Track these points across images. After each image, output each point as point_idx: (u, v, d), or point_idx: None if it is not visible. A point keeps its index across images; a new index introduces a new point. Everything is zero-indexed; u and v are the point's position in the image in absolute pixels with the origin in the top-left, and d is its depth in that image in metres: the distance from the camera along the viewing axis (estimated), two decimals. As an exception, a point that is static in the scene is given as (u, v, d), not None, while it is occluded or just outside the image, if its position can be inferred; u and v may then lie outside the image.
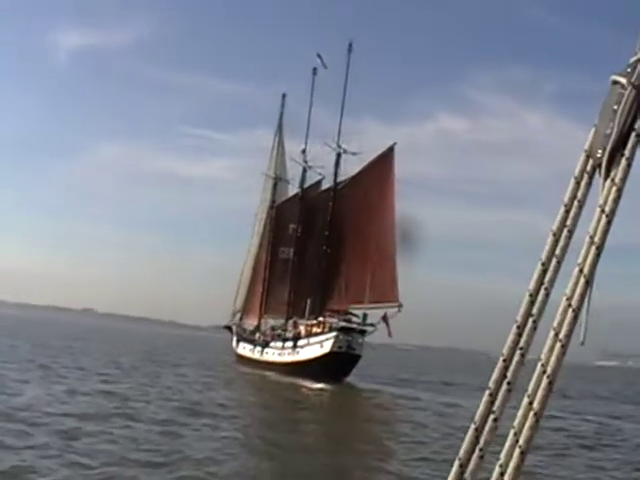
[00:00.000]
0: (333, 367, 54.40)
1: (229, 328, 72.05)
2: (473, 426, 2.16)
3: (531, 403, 2.13)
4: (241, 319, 71.08)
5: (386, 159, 59.84)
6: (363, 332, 56.57)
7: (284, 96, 71.02)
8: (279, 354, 60.83)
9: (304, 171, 65.72)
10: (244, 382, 51.96)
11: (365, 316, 57.16)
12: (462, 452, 2.14)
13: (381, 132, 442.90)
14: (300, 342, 58.66)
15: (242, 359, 66.70)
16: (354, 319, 57.40)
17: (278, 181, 69.82)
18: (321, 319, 58.41)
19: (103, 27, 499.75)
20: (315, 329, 58.27)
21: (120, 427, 22.75)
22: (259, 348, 64.21)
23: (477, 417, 2.16)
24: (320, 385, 50.39)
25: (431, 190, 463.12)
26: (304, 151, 65.59)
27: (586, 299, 2.16)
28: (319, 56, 64.79)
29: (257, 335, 66.27)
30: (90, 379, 38.68)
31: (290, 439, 25.14)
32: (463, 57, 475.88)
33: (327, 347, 55.68)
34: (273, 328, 65.45)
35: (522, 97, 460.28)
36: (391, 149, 60.08)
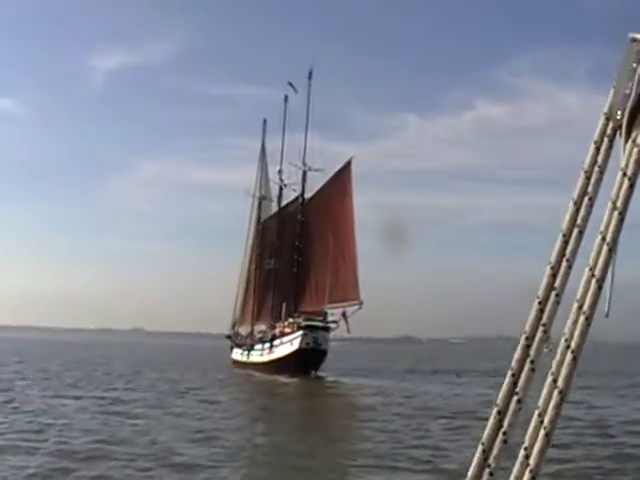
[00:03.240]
0: (302, 362, 63.17)
1: (229, 337, 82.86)
2: (495, 409, 2.12)
3: (555, 381, 2.09)
4: (234, 327, 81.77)
5: (344, 172, 69.37)
6: (327, 329, 65.99)
7: (265, 122, 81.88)
8: (260, 355, 70.66)
9: (280, 190, 76.13)
10: (231, 381, 61.79)
11: (325, 314, 66.39)
12: (485, 437, 2.11)
13: (419, 125, 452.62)
14: (275, 342, 68.47)
15: (236, 363, 76.65)
16: (317, 318, 66.83)
17: (263, 200, 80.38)
18: (291, 320, 67.97)
19: (137, 46, 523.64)
20: (287, 329, 67.75)
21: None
22: (246, 351, 74.47)
23: (499, 399, 2.12)
24: (292, 379, 60.15)
25: (473, 178, 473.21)
26: (280, 171, 75.93)
27: (610, 268, 2.13)
28: (290, 84, 75.00)
29: (248, 340, 76.75)
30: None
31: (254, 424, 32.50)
32: (497, 43, 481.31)
33: (296, 344, 64.80)
34: (260, 332, 75.71)
35: (559, 77, 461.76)
36: (349, 163, 69.70)
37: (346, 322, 65.23)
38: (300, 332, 65.20)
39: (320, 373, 65.24)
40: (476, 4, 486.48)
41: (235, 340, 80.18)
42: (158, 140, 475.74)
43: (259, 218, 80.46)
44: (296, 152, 72.02)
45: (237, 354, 77.82)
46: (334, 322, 66.13)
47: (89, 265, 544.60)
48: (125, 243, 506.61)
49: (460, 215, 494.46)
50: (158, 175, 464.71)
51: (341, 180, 69.33)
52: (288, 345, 66.29)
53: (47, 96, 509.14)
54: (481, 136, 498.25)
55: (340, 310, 66.14)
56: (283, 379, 60.11)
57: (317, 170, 70.87)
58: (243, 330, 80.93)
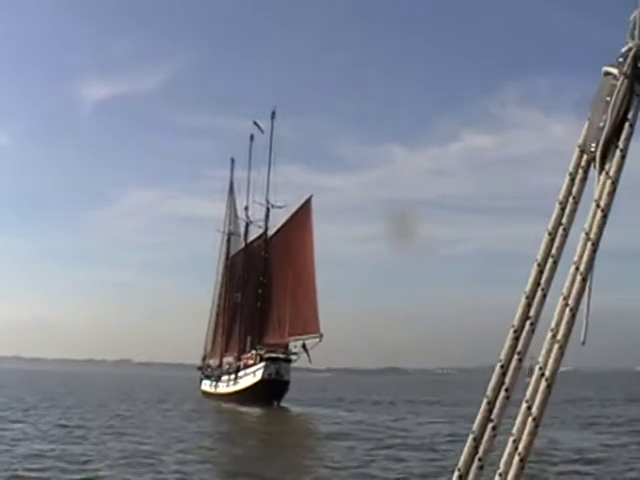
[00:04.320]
0: (265, 392, 67.00)
1: (200, 368, 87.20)
2: (472, 436, 2.21)
3: (529, 408, 2.17)
4: (205, 359, 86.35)
5: (304, 209, 73.79)
6: (289, 360, 70.04)
7: (233, 161, 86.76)
8: (226, 385, 74.83)
9: (247, 226, 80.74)
10: (200, 411, 65.76)
11: (287, 346, 70.66)
12: (461, 462, 2.20)
13: (406, 156, 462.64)
14: (240, 373, 72.53)
15: (205, 393, 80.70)
16: (279, 350, 71.11)
17: (231, 235, 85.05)
18: (253, 352, 72.07)
19: (125, 77, 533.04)
20: (250, 361, 71.82)
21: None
22: (214, 383, 78.71)
23: (475, 426, 2.20)
24: (254, 409, 64.19)
25: (459, 209, 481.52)
26: (246, 208, 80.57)
27: (585, 297, 2.21)
28: (256, 123, 79.75)
29: (216, 372, 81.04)
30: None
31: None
32: (485, 73, 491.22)
33: (259, 375, 68.80)
34: (228, 364, 79.99)
35: (546, 107, 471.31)
36: (308, 200, 74.10)
37: (307, 354, 69.26)
38: (262, 363, 69.05)
39: (284, 404, 68.50)
40: (462, 35, 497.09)
41: (205, 372, 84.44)
42: (145, 170, 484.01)
43: (228, 253, 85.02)
44: (273, 187, 76.00)
45: (206, 385, 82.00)
46: (294, 354, 70.11)
47: (76, 295, 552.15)
48: (113, 273, 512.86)
49: (447, 246, 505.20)
50: (143, 205, 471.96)
51: (301, 217, 73.59)
52: (251, 376, 70.22)
53: (34, 126, 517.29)
54: (468, 166, 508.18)
55: (301, 343, 70.23)
56: (245, 409, 63.94)
57: (280, 207, 75.44)
58: (213, 362, 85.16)
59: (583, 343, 2.26)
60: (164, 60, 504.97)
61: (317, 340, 70.23)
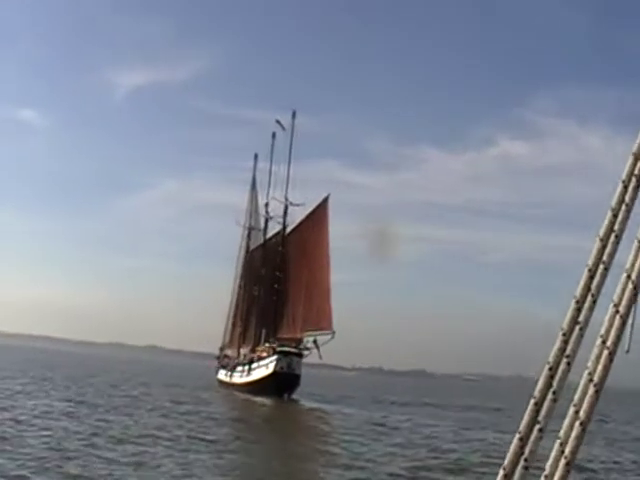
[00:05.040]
0: (276, 385, 69.64)
1: (218, 358, 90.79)
2: (518, 436, 2.25)
3: (577, 412, 2.20)
4: (222, 349, 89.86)
5: (321, 208, 76.67)
6: (300, 355, 72.38)
7: (256, 156, 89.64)
8: (240, 376, 77.92)
9: (266, 222, 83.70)
10: (212, 399, 68.92)
11: (301, 341, 73.51)
12: (507, 462, 2.24)
13: (441, 159, 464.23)
14: (253, 365, 75.39)
15: (221, 383, 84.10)
16: (292, 344, 73.51)
17: (251, 230, 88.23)
18: (267, 345, 75.21)
19: (160, 64, 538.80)
20: (264, 354, 74.59)
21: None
22: (229, 373, 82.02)
23: (522, 427, 2.25)
24: (266, 400, 67.29)
25: (493, 215, 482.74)
26: (267, 204, 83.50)
27: (633, 305, 2.24)
28: (278, 121, 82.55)
29: (232, 362, 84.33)
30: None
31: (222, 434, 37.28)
32: (522, 81, 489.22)
33: (271, 368, 71.31)
34: (244, 355, 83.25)
35: (582, 118, 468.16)
36: (325, 199, 77.03)
37: (318, 350, 71.77)
38: (275, 357, 71.33)
39: (295, 397, 70.89)
40: (501, 41, 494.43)
41: (221, 362, 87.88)
42: (177, 159, 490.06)
43: (248, 247, 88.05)
44: (299, 181, 78.55)
45: (222, 375, 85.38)
46: (307, 349, 72.58)
47: (105, 279, 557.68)
48: (141, 260, 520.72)
49: (479, 252, 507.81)
50: (173, 194, 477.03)
51: (317, 216, 76.40)
52: (264, 368, 72.72)
53: (69, 109, 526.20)
54: (503, 173, 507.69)
55: (313, 338, 72.71)
56: (257, 400, 66.88)
57: (297, 205, 78.44)
58: (231, 352, 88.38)
59: (627, 351, 2.28)
60: (199, 50, 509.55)
61: (329, 337, 72.72)
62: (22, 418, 36.08)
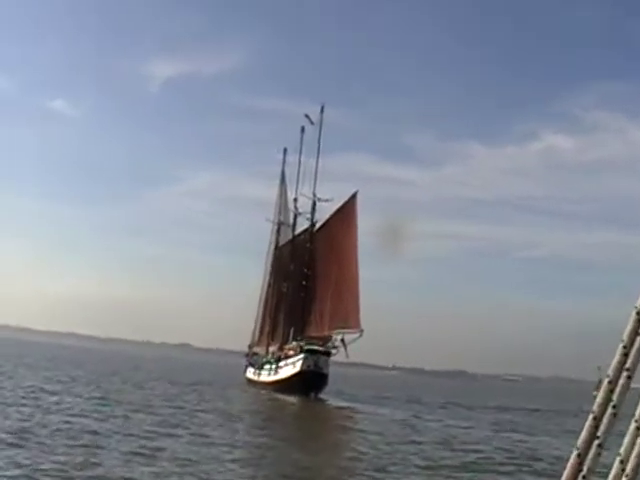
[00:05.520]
0: (303, 383, 69.58)
1: (247, 355, 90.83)
2: (575, 452, 2.20)
3: (639, 428, 2.16)
4: (251, 347, 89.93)
5: (350, 204, 76.45)
6: (328, 353, 72.14)
7: (285, 150, 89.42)
8: (268, 374, 77.85)
9: (295, 217, 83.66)
10: (237, 397, 69.13)
11: (329, 339, 73.01)
12: (564, 479, 2.20)
13: (484, 154, 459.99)
14: (280, 364, 75.35)
15: (249, 381, 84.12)
16: (319, 342, 73.07)
17: (281, 226, 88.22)
18: (294, 343, 74.99)
19: (195, 56, 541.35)
20: (291, 352, 74.52)
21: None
22: (257, 371, 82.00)
23: (580, 442, 2.18)
24: (293, 399, 66.92)
25: (535, 211, 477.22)
26: (295, 200, 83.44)
27: None
28: (307, 116, 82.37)
29: (260, 360, 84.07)
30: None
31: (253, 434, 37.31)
32: (566, 74, 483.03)
33: (298, 367, 71.20)
34: (273, 353, 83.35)
35: (630, 113, 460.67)
36: (354, 196, 76.72)
37: (345, 348, 71.59)
38: (302, 355, 71.30)
39: (323, 396, 70.63)
40: (549, 34, 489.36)
41: (250, 359, 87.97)
42: (207, 151, 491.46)
43: (277, 242, 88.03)
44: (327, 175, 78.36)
45: (250, 373, 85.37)
46: (334, 347, 72.31)
47: (132, 273, 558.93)
48: (175, 254, 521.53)
49: (520, 248, 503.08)
50: (209, 187, 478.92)
51: (346, 213, 76.16)
52: (291, 367, 72.64)
53: (101, 99, 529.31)
54: (546, 167, 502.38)
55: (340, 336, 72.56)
56: (284, 398, 66.76)
57: (326, 200, 78.41)
58: (260, 350, 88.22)
59: None
60: (231, 43, 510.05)
61: (357, 335, 72.56)
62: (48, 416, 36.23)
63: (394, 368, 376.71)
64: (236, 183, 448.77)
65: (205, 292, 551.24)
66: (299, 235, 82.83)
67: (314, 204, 79.47)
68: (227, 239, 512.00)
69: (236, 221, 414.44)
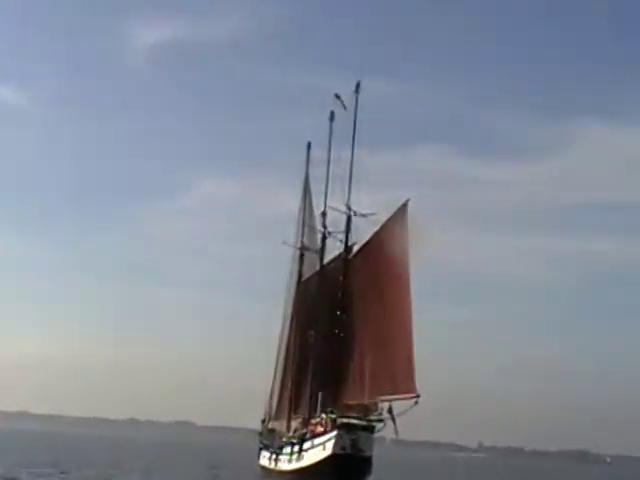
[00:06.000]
0: (337, 472, 62.36)
1: (261, 434, 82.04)
2: None
3: None
4: (264, 421, 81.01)
5: (398, 218, 67.96)
6: (371, 429, 64.20)
7: (309, 146, 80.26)
8: (288, 460, 69.69)
9: (324, 239, 74.73)
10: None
11: (369, 410, 65.33)
12: None
13: (599, 137, 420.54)
14: (305, 445, 67.22)
15: (264, 470, 76.20)
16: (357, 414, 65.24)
17: (305, 251, 79.08)
18: (323, 416, 66.86)
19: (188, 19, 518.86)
20: (319, 428, 66.58)
21: None
22: (274, 455, 73.58)
23: None
24: None
25: None
26: (324, 214, 74.48)
27: None
28: (337, 96, 73.70)
29: (277, 440, 75.52)
30: None
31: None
32: None
33: (329, 449, 63.53)
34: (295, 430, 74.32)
35: None
36: (404, 205, 67.92)
37: (393, 422, 64.29)
38: (335, 432, 64.03)
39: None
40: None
41: (264, 440, 79.86)
42: (215, 151, 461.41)
43: (300, 275, 79.59)
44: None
45: (265, 458, 77.51)
46: (379, 420, 64.88)
47: (112, 327, 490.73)
48: (167, 294, 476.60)
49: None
50: (213, 198, 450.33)
51: (392, 231, 68.27)
52: (320, 449, 65.26)
53: (65, 83, 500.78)
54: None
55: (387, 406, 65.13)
56: None
57: (364, 215, 70.21)
58: (279, 425, 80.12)
59: None
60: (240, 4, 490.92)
61: (413, 403, 64.30)
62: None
63: (480, 448, 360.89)
64: (240, 194, 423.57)
65: (198, 349, 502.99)
66: (329, 264, 74.80)
67: (349, 220, 71.47)
68: (228, 271, 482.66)
69: (243, 248, 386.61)
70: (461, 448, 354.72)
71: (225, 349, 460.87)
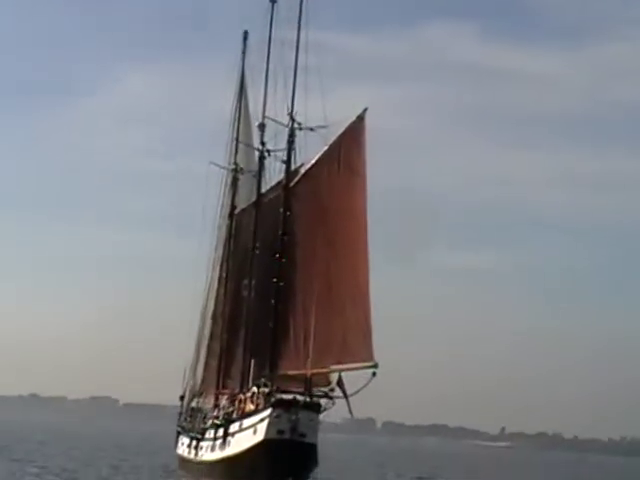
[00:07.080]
0: (271, 464, 69.11)
1: (181, 414, 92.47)
2: None
3: None
4: (183, 399, 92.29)
5: (352, 132, 75.95)
6: (317, 407, 70.97)
7: (246, 36, 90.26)
8: (210, 449, 78.25)
9: (261, 159, 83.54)
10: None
11: (308, 381, 72.15)
12: None
13: None
14: (231, 427, 74.79)
15: (182, 461, 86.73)
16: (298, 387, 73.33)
17: (238, 174, 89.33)
18: (254, 390, 73.77)
19: None
20: (250, 406, 73.73)
21: None
22: (194, 442, 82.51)
23: None
24: None
25: None
26: (262, 126, 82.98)
27: None
28: None
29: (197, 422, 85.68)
30: None
31: None
32: None
33: (261, 433, 69.91)
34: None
35: None
36: (360, 117, 75.88)
37: (345, 396, 71.47)
38: (268, 411, 69.82)
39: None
40: None
41: (184, 422, 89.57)
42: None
43: (233, 207, 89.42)
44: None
45: (183, 445, 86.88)
46: (327, 396, 71.95)
47: None
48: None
49: None
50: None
51: (348, 151, 75.96)
52: (249, 433, 71.69)
53: None
54: None
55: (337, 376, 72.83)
56: None
57: (311, 129, 77.36)
58: (207, 402, 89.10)
59: None
60: None
61: (371, 374, 71.84)
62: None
63: (503, 435, 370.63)
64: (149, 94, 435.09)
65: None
66: (267, 193, 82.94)
67: (292, 133, 78.83)
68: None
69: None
70: (477, 434, 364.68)
71: (141, 307, 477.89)
